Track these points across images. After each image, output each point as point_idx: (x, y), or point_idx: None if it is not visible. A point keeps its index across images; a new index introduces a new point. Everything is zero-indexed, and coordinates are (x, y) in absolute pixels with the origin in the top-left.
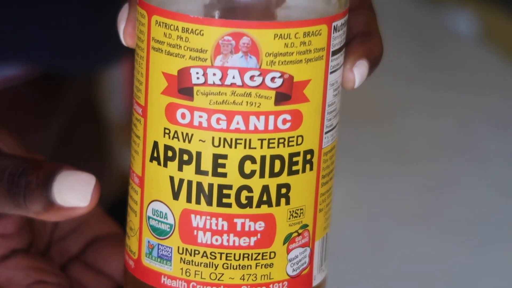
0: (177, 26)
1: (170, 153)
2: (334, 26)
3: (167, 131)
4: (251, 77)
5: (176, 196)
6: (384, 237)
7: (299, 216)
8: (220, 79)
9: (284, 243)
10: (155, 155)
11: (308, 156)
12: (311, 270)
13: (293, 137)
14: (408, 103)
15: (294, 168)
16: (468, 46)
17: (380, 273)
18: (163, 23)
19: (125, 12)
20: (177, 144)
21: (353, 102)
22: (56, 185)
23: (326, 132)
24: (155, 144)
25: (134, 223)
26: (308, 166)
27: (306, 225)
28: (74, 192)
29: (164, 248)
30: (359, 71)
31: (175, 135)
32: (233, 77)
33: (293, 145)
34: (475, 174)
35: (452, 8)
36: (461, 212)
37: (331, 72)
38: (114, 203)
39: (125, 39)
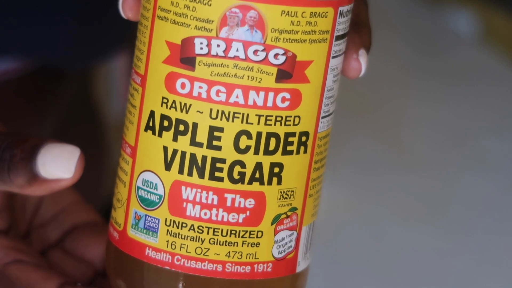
0: None
1: (166, 123)
2: (340, 11)
3: (165, 100)
4: (255, 52)
5: (168, 166)
6: (384, 236)
7: (289, 198)
8: (224, 51)
9: (272, 224)
10: (151, 124)
11: (303, 138)
12: (296, 255)
13: (291, 116)
14: (408, 102)
15: (289, 148)
16: (468, 46)
17: (380, 273)
18: None
19: None
20: (174, 114)
21: (353, 101)
22: (40, 157)
23: (323, 117)
24: (152, 114)
25: (122, 194)
26: (302, 148)
27: (295, 208)
28: (59, 163)
29: (151, 219)
30: (364, 59)
31: (173, 105)
32: (237, 50)
33: (289, 125)
34: (475, 173)
35: (452, 8)
36: (461, 212)
37: (333, 57)
38: (112, 199)
39: (124, 11)
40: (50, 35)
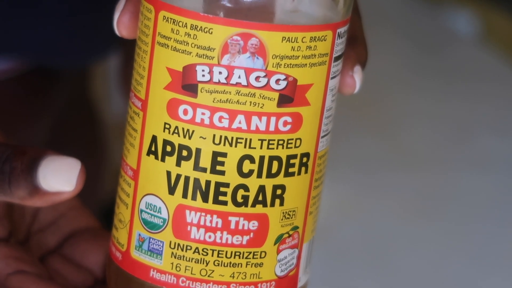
0: (186, 23)
1: (169, 148)
2: (338, 32)
3: (167, 126)
4: (257, 78)
5: (172, 191)
6: (384, 235)
7: (291, 218)
8: (226, 78)
9: (275, 244)
10: (153, 149)
11: (305, 159)
12: (297, 272)
13: (292, 139)
14: (408, 101)
15: (291, 170)
16: (468, 46)
17: (380, 272)
18: (171, 19)
19: (122, 2)
20: (177, 140)
21: (353, 100)
22: (41, 170)
23: (322, 137)
24: (154, 138)
25: (124, 216)
26: (303, 168)
27: (297, 227)
28: (59, 176)
29: (156, 242)
30: (358, 76)
31: (176, 131)
32: (239, 77)
33: (291, 147)
34: (475, 174)
35: (452, 8)
36: (461, 210)
37: (332, 78)
38: (110, 201)
39: (119, 29)
40: (46, 34)
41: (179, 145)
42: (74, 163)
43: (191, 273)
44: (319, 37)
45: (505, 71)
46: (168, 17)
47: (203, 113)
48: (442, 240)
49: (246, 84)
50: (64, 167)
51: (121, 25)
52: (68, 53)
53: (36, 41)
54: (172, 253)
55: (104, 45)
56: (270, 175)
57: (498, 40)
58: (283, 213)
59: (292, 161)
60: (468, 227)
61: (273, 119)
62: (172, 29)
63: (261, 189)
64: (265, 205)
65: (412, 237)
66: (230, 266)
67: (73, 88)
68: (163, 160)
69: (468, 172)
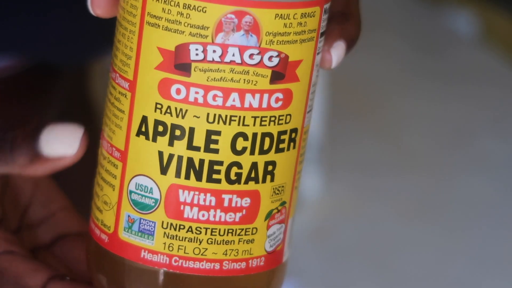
0: (178, 2)
1: (160, 128)
2: (325, 8)
3: (159, 106)
4: (250, 55)
5: (164, 171)
6: (384, 236)
7: (280, 193)
8: (220, 56)
9: (265, 219)
10: (143, 129)
11: (293, 135)
12: (283, 246)
13: (283, 115)
14: (407, 103)
15: (281, 146)
16: (468, 46)
17: (380, 273)
18: None
19: None
20: (169, 119)
21: (353, 101)
22: (44, 135)
23: (308, 112)
24: (144, 119)
25: (110, 197)
26: (292, 144)
27: (285, 202)
28: (62, 139)
29: (147, 223)
30: (336, 52)
31: (168, 110)
32: (233, 55)
33: (282, 124)
34: (475, 173)
35: (452, 8)
36: (461, 212)
37: (318, 53)
38: None
39: (93, 8)
40: (44, 31)
41: (172, 124)
42: (76, 128)
43: (184, 252)
44: (309, 13)
45: (505, 72)
46: None
47: (196, 92)
48: (441, 242)
49: (240, 62)
50: (66, 132)
51: (94, 3)
52: (67, 50)
53: (34, 38)
54: (165, 233)
55: (104, 42)
56: (262, 151)
57: (498, 40)
58: (273, 189)
59: (282, 137)
60: (467, 229)
61: (265, 96)
62: (163, 8)
63: (254, 165)
64: (257, 181)
65: (411, 238)
66: (223, 244)
67: (73, 87)
68: (154, 140)
69: (468, 174)
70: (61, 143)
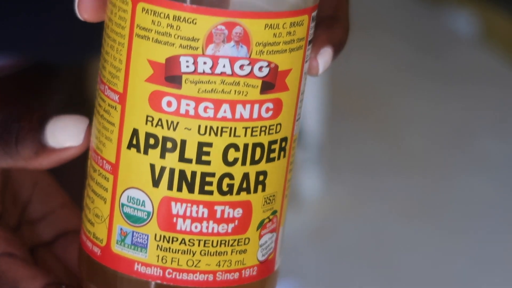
0: (168, 14)
1: (152, 141)
2: (312, 16)
3: (149, 118)
4: (241, 66)
5: (156, 183)
6: (384, 236)
7: (272, 202)
8: (211, 68)
9: (257, 229)
10: (134, 142)
11: (283, 144)
12: (275, 255)
13: (273, 125)
14: (407, 103)
15: (272, 155)
16: (468, 46)
17: (380, 273)
18: (151, 10)
19: None
20: (160, 132)
21: (353, 101)
22: (49, 127)
23: (297, 120)
24: (135, 132)
25: (102, 210)
26: (282, 153)
27: (276, 211)
28: (68, 131)
29: (140, 235)
30: (322, 58)
31: (159, 123)
32: (224, 66)
33: (272, 133)
34: (475, 173)
35: (452, 8)
36: (461, 212)
37: (306, 61)
38: None
39: (80, 13)
40: (44, 31)
41: (163, 137)
42: (81, 118)
43: (178, 264)
44: (297, 22)
45: (505, 72)
46: (148, 9)
47: (187, 104)
48: (441, 242)
49: (230, 73)
50: (71, 123)
51: (81, 8)
52: (66, 49)
53: (33, 37)
54: (158, 245)
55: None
56: (253, 162)
57: (498, 40)
58: (265, 198)
59: (273, 146)
60: (467, 229)
61: (256, 106)
62: (153, 20)
63: (245, 176)
64: (248, 192)
65: (411, 238)
66: (216, 255)
67: (71, 86)
68: (145, 153)
69: (468, 174)
70: (66, 134)
